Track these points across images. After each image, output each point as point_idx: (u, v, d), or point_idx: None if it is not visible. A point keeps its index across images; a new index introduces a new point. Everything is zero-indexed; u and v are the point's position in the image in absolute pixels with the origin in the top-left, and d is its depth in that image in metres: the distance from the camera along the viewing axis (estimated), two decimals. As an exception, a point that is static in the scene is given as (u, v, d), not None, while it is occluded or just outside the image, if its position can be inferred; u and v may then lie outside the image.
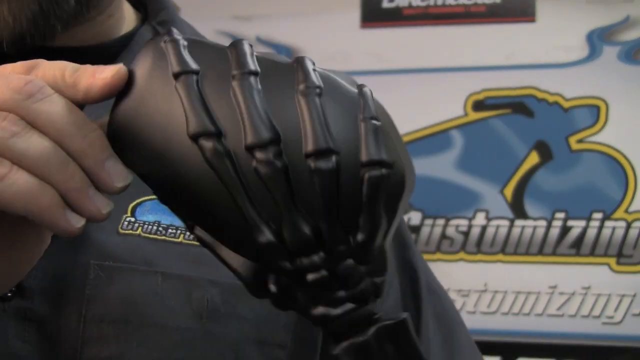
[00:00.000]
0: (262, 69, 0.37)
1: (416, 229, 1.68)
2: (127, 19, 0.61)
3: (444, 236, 1.67)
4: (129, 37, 0.59)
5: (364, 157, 0.36)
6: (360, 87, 0.38)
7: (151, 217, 0.54)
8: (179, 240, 0.54)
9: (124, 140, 0.38)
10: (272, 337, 0.55)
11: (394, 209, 0.36)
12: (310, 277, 0.37)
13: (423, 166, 1.68)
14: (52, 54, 0.54)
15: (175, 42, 0.38)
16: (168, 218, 0.54)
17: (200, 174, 0.37)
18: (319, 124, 0.35)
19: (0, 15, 0.49)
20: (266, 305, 0.54)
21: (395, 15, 1.72)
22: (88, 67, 0.39)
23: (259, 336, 0.54)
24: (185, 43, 0.38)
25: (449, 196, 1.67)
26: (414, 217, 1.68)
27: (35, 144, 0.37)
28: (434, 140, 1.68)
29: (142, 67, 0.38)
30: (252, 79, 0.37)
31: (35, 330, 0.50)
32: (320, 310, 0.38)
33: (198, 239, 0.39)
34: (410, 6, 1.71)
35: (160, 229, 0.54)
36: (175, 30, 0.39)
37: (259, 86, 0.36)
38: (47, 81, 0.38)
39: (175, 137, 0.37)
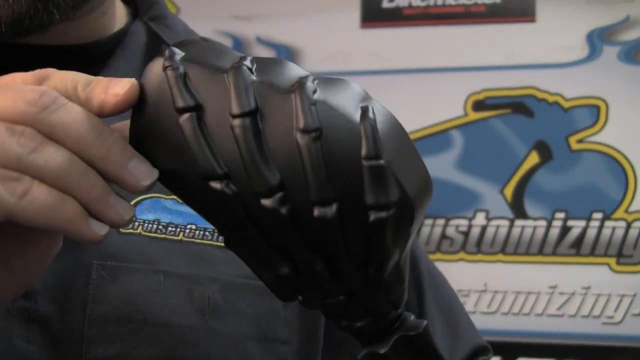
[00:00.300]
0: (261, 101, 0.36)
1: (416, 229, 1.67)
2: (119, 15, 0.61)
3: (444, 236, 1.67)
4: (122, 33, 0.59)
5: (368, 200, 0.35)
6: (363, 112, 0.36)
7: (150, 215, 0.55)
8: (179, 238, 0.55)
9: (148, 140, 0.39)
10: (273, 332, 0.55)
11: (405, 237, 0.37)
12: (329, 301, 0.38)
13: (423, 166, 1.68)
14: (49, 53, 0.54)
15: (174, 71, 0.38)
16: (167, 216, 0.55)
17: (214, 207, 0.38)
18: (319, 172, 0.35)
19: None
20: (265, 301, 0.55)
21: (395, 15, 1.72)
22: (100, 81, 0.39)
23: (259, 332, 0.55)
24: (184, 71, 0.38)
25: (449, 196, 1.67)
26: (414, 217, 1.67)
27: (54, 157, 0.36)
28: (434, 140, 1.68)
29: (148, 85, 0.38)
30: (250, 120, 0.36)
31: (39, 330, 0.50)
32: (343, 322, 0.39)
33: (230, 244, 0.40)
34: (410, 6, 1.71)
35: (160, 227, 0.54)
36: (175, 52, 0.38)
37: (259, 125, 0.36)
38: (60, 91, 0.38)
39: (184, 170, 0.38)
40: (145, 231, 0.54)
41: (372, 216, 0.35)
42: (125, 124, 0.40)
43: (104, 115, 0.38)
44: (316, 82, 0.37)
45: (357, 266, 0.37)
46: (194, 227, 0.55)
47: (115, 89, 0.38)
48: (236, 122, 0.36)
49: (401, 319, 0.40)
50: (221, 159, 0.36)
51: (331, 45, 1.72)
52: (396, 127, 0.37)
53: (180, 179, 0.38)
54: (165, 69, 0.38)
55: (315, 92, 0.37)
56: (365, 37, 1.72)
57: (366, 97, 0.37)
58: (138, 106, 0.38)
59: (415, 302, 0.64)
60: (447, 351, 0.64)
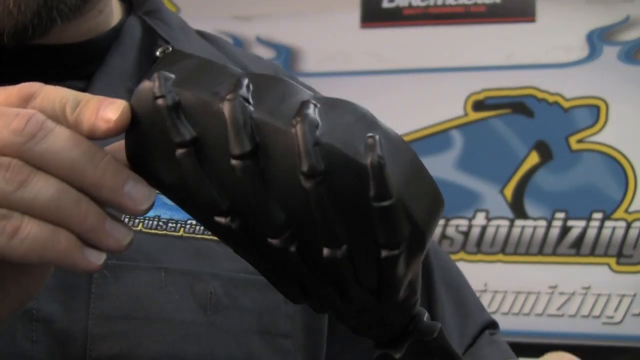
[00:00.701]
0: (260, 135, 0.34)
1: (416, 229, 1.67)
2: (114, 11, 0.61)
3: (444, 236, 1.67)
4: (118, 29, 0.59)
5: (379, 239, 0.34)
6: (370, 147, 0.33)
7: (151, 212, 0.55)
8: (180, 234, 0.55)
9: (145, 160, 0.37)
10: (275, 327, 0.55)
11: (418, 261, 0.36)
12: (340, 312, 0.39)
13: (423, 166, 1.68)
14: (46, 53, 0.54)
15: (165, 101, 0.35)
16: (167, 212, 0.55)
17: (219, 233, 0.38)
18: (327, 215, 0.34)
19: (5, 6, 0.49)
20: (267, 296, 0.55)
21: (395, 15, 1.72)
22: (90, 101, 0.36)
23: (261, 327, 0.55)
24: (176, 100, 0.35)
25: (449, 196, 1.66)
26: (414, 217, 1.67)
27: (44, 189, 0.35)
28: (434, 140, 1.68)
29: (138, 114, 0.36)
30: (251, 161, 0.34)
31: (43, 330, 0.50)
32: (355, 327, 0.40)
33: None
34: (410, 6, 1.71)
35: (161, 223, 0.54)
36: (165, 77, 0.36)
37: (260, 163, 0.34)
38: (47, 113, 0.36)
39: (188, 203, 0.37)
40: (145, 228, 0.54)
41: (384, 254, 0.34)
42: (121, 145, 0.38)
43: (94, 139, 0.36)
44: (318, 109, 0.34)
45: (369, 291, 0.36)
46: (194, 222, 0.55)
47: (106, 113, 0.36)
48: (236, 163, 0.34)
49: (415, 320, 0.39)
50: (224, 192, 0.35)
51: (331, 45, 1.72)
52: (405, 153, 0.35)
53: (184, 199, 0.37)
54: (156, 99, 0.35)
55: (317, 126, 0.34)
56: (365, 37, 1.72)
57: (372, 124, 0.35)
58: (131, 128, 0.36)
59: (424, 284, 0.64)
60: (458, 331, 0.64)
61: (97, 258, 0.36)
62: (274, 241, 0.35)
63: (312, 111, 0.34)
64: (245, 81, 0.35)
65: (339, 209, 0.34)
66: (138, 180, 0.36)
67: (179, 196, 0.37)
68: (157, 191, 0.37)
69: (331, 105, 0.34)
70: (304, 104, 0.34)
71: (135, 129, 0.36)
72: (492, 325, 0.67)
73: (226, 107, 0.34)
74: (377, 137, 0.34)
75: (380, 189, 0.33)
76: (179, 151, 0.35)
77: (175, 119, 0.35)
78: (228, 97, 0.34)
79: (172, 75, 0.36)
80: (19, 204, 0.35)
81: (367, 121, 0.34)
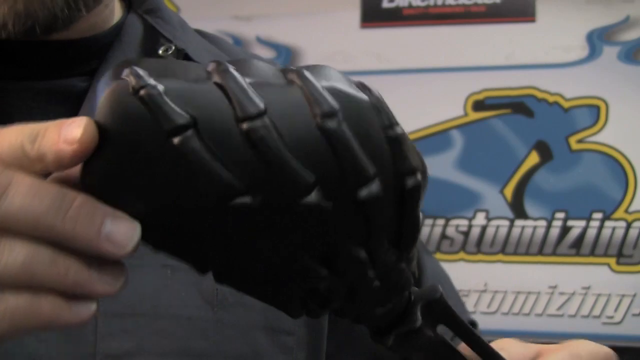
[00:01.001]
0: (267, 102, 0.32)
1: (416, 229, 1.68)
2: (116, 7, 0.61)
3: (444, 236, 1.67)
4: (119, 27, 0.59)
5: (400, 168, 0.34)
6: (364, 87, 0.35)
7: None
8: None
9: (122, 183, 0.32)
10: (279, 323, 0.56)
11: (422, 204, 0.36)
12: (363, 293, 0.37)
13: (423, 166, 1.68)
14: (49, 48, 0.54)
15: (152, 89, 0.31)
16: None
17: (237, 231, 0.34)
18: (357, 152, 0.33)
19: None
20: None
21: (395, 15, 1.72)
22: (48, 129, 0.32)
23: (266, 323, 0.55)
24: (162, 88, 0.32)
25: (449, 196, 1.67)
26: (414, 217, 1.67)
27: (12, 257, 0.31)
28: (434, 140, 1.68)
29: (113, 120, 0.32)
30: (266, 120, 0.32)
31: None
32: (371, 312, 0.39)
33: (224, 278, 0.36)
34: (410, 6, 1.71)
35: None
36: (139, 70, 0.32)
37: (275, 125, 0.32)
38: (4, 158, 0.32)
39: (187, 201, 0.32)
40: None
41: (410, 182, 0.34)
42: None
43: (65, 168, 0.32)
44: (303, 69, 0.34)
45: (392, 243, 0.36)
46: None
47: (68, 134, 0.31)
48: (251, 125, 0.32)
49: (415, 297, 0.40)
50: (238, 169, 0.32)
51: (331, 45, 1.72)
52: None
53: (177, 215, 0.33)
54: (137, 90, 0.31)
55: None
56: (365, 37, 1.72)
57: (348, 76, 0.35)
58: (98, 148, 0.32)
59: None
60: None
61: (86, 309, 0.33)
62: (309, 198, 0.33)
63: (303, 69, 0.34)
64: (225, 61, 0.34)
65: (362, 144, 0.33)
66: (116, 216, 0.32)
67: (177, 202, 0.33)
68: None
69: (311, 68, 0.34)
70: (290, 67, 0.34)
71: (107, 144, 0.31)
72: (472, 324, 0.69)
73: (221, 78, 0.32)
74: (363, 82, 0.35)
75: (390, 119, 0.34)
76: (178, 138, 0.31)
77: (167, 104, 0.31)
78: (219, 69, 0.33)
79: (145, 70, 0.32)
80: None
81: (345, 75, 0.35)
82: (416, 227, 0.36)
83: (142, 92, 0.31)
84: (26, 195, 0.31)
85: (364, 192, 0.34)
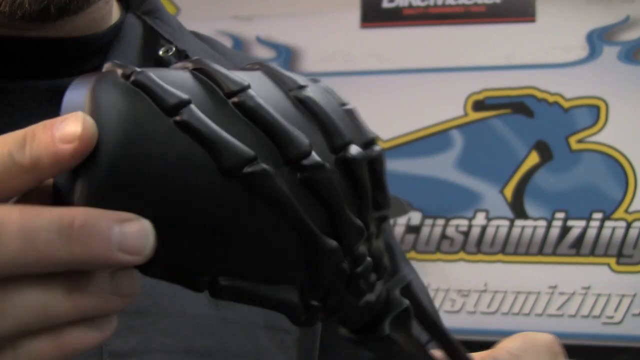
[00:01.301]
0: (248, 80, 0.33)
1: (416, 229, 1.68)
2: (114, 8, 0.61)
3: (444, 236, 1.67)
4: (118, 27, 0.59)
5: (364, 138, 0.36)
6: (313, 79, 0.37)
7: None
8: None
9: (128, 174, 0.30)
10: (277, 322, 0.56)
11: None
12: (360, 268, 0.37)
13: (423, 166, 1.68)
14: (48, 45, 0.54)
15: (143, 74, 0.30)
16: None
17: (245, 206, 0.32)
18: (331, 119, 0.35)
19: None
20: None
21: (395, 15, 1.72)
22: (36, 130, 0.28)
23: (267, 321, 0.56)
24: (150, 73, 0.31)
25: (449, 196, 1.67)
26: (414, 217, 1.68)
27: (23, 306, 0.28)
28: (434, 140, 1.69)
29: (111, 108, 0.30)
30: (253, 92, 0.32)
31: None
32: (362, 302, 0.38)
33: (223, 291, 0.34)
34: (410, 6, 1.71)
35: None
36: (116, 63, 0.31)
37: (261, 97, 0.33)
38: None
39: (196, 179, 0.31)
40: None
41: (375, 150, 0.36)
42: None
43: (62, 172, 0.29)
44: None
45: (374, 210, 0.37)
46: None
47: (65, 132, 0.28)
48: (242, 97, 0.32)
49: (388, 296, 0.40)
50: (240, 140, 0.32)
51: (331, 45, 1.72)
52: None
53: (185, 196, 0.31)
54: (128, 76, 0.30)
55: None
56: (365, 37, 1.72)
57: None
58: (96, 149, 0.29)
59: None
60: None
61: (110, 324, 0.30)
62: (312, 158, 0.33)
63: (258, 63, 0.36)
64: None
65: (332, 116, 0.35)
66: (124, 219, 0.28)
67: (187, 186, 0.31)
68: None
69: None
70: (253, 62, 0.36)
71: (105, 141, 0.29)
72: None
73: (199, 65, 0.33)
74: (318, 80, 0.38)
75: (340, 96, 0.36)
76: (182, 115, 0.30)
77: (162, 85, 0.30)
78: (193, 60, 0.33)
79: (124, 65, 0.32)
80: (5, 335, 0.28)
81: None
82: (388, 197, 0.37)
83: (133, 76, 0.30)
84: (19, 235, 0.27)
85: (352, 151, 0.34)
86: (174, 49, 0.57)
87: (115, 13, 0.60)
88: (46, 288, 0.28)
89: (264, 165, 0.32)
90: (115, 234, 0.28)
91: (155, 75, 0.31)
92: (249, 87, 0.33)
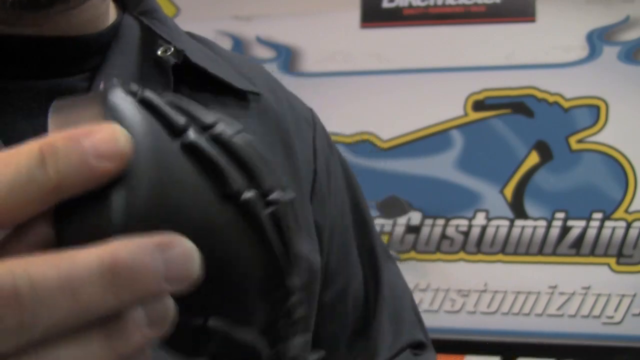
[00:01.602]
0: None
1: (416, 229, 1.68)
2: (111, 7, 0.61)
3: (444, 236, 1.67)
4: (116, 27, 0.59)
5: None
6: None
7: None
8: None
9: (161, 211, 0.27)
10: None
11: None
12: (297, 305, 0.37)
13: (423, 166, 1.68)
14: (46, 44, 0.54)
15: (147, 91, 0.29)
16: None
17: (237, 232, 0.31)
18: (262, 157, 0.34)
19: None
20: None
21: (395, 15, 1.72)
22: (58, 145, 0.25)
23: None
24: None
25: (449, 196, 1.67)
26: (414, 217, 1.68)
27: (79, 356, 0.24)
28: (434, 140, 1.69)
29: (134, 122, 0.28)
30: (222, 126, 0.32)
31: None
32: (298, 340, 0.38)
33: (209, 333, 0.31)
34: (410, 6, 1.71)
35: None
36: (114, 81, 0.30)
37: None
38: (15, 201, 0.24)
39: (201, 202, 0.29)
40: None
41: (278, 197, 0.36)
42: None
43: (89, 189, 0.25)
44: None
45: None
46: None
47: (103, 146, 0.24)
48: (218, 129, 0.31)
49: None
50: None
51: (331, 45, 1.72)
52: None
53: (198, 218, 0.30)
54: (134, 93, 0.29)
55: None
56: (365, 37, 1.72)
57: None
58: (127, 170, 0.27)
59: (372, 296, 0.69)
60: (388, 347, 0.69)
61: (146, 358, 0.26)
62: (276, 195, 0.33)
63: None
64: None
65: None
66: (165, 243, 0.25)
67: (192, 211, 0.30)
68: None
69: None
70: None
71: (141, 161, 0.27)
72: (418, 345, 0.71)
73: (174, 98, 0.32)
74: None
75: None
76: (187, 135, 0.29)
77: (165, 106, 0.29)
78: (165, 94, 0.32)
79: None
80: None
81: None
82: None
83: (140, 94, 0.29)
84: (61, 294, 0.23)
85: (286, 196, 0.34)
86: (172, 48, 0.57)
87: (112, 13, 0.60)
88: (85, 341, 0.24)
89: (250, 194, 0.32)
90: (159, 264, 0.24)
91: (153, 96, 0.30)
92: (217, 121, 0.32)
